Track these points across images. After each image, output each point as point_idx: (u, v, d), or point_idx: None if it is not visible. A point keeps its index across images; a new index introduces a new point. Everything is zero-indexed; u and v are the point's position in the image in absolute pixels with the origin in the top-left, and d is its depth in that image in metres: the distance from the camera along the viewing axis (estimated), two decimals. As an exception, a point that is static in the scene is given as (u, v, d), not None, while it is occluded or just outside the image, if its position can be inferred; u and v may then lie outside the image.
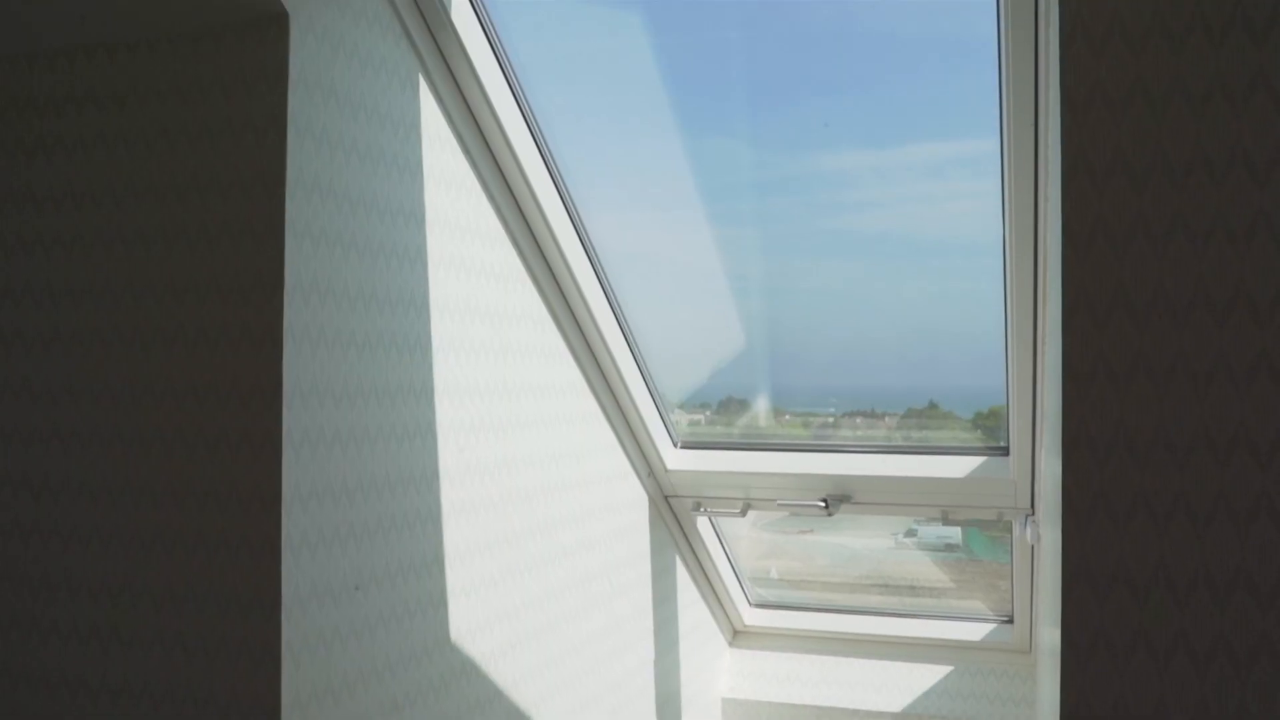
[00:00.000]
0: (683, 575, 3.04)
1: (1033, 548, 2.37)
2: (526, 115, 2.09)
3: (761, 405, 3.00)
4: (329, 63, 1.58)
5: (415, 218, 1.80)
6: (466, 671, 1.94)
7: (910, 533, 3.29)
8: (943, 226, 2.64)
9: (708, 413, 3.05)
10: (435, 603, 1.85)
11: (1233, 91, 1.21)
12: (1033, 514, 2.32)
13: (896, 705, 2.75)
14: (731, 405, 3.06)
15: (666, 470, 2.80)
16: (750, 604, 3.32)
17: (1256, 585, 1.19)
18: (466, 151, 1.97)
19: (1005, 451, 2.41)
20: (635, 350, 2.61)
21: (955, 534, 3.41)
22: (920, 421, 2.89)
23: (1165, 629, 1.22)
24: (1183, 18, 1.22)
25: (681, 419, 2.94)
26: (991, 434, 2.59)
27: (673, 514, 2.93)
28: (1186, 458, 1.21)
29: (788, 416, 3.00)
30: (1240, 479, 1.20)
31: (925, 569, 3.24)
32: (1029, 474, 2.31)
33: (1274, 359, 1.19)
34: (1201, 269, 1.22)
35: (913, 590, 3.21)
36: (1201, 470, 1.21)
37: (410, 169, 1.79)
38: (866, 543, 3.11)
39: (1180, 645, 1.21)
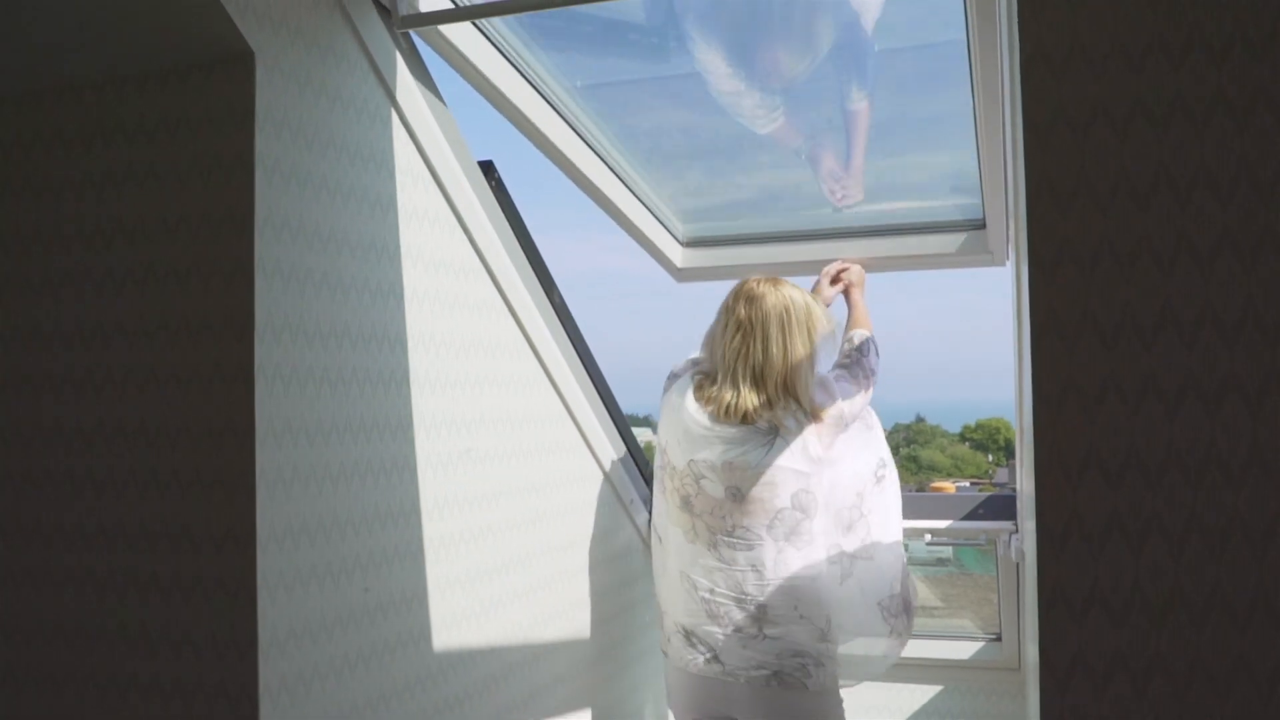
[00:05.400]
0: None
1: (1018, 565, 2.37)
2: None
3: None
4: (296, 100, 1.58)
5: (388, 253, 1.80)
6: (449, 707, 1.92)
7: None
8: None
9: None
10: (416, 638, 1.83)
11: (1193, 112, 1.22)
12: (1016, 531, 2.32)
13: (886, 726, 2.74)
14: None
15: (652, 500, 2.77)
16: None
17: (1232, 606, 1.19)
18: (440, 185, 1.97)
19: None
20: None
21: (947, 548, 3.40)
22: (908, 435, 2.89)
23: (1143, 651, 1.21)
24: (1142, 40, 1.23)
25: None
26: (979, 447, 2.59)
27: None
28: (1159, 479, 1.21)
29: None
30: (1212, 499, 1.19)
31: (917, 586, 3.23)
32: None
33: (1242, 379, 1.19)
34: (1169, 290, 1.22)
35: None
36: (1174, 491, 1.21)
37: (382, 204, 1.79)
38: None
39: (1158, 667, 1.21)
